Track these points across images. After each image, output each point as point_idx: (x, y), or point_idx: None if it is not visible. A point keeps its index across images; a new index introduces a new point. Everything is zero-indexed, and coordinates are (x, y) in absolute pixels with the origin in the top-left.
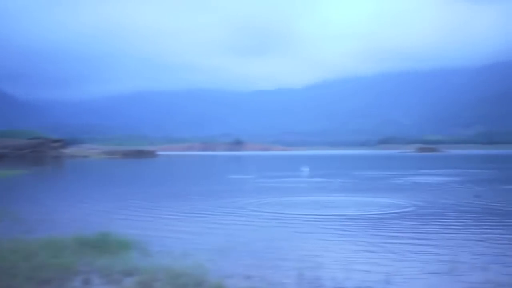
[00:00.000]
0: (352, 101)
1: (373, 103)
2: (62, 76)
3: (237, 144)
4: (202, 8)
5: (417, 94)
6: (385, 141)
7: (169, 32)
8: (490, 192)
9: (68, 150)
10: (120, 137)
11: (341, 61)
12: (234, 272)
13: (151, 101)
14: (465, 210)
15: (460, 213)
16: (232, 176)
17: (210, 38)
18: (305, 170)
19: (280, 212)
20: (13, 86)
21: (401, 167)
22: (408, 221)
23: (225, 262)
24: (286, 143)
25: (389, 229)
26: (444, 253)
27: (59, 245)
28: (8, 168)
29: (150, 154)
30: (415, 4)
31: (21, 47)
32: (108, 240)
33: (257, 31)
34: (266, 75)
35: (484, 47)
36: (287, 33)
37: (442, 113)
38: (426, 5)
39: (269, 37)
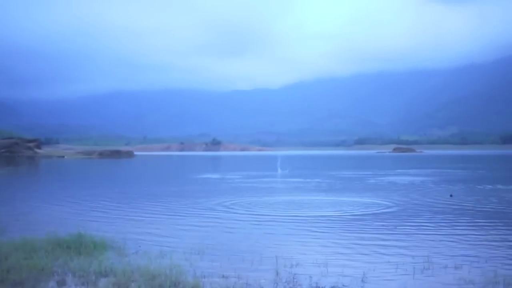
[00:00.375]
0: (328, 101)
1: (350, 104)
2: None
3: (215, 144)
4: (179, 8)
5: (393, 95)
6: (362, 142)
7: (146, 31)
8: (464, 192)
9: (43, 150)
10: (96, 137)
11: (318, 61)
12: (211, 272)
13: (128, 101)
14: (439, 210)
15: (433, 213)
16: (208, 176)
17: (187, 38)
18: (283, 170)
19: (256, 212)
20: None
21: (378, 167)
22: (382, 221)
23: (201, 263)
24: (263, 143)
25: (363, 229)
26: (417, 253)
27: (32, 246)
28: None
29: (127, 154)
30: (390, 6)
31: None
32: (83, 241)
33: (234, 31)
34: (243, 75)
35: (458, 49)
36: (265, 33)
37: (417, 114)
38: (401, 7)
39: (246, 37)
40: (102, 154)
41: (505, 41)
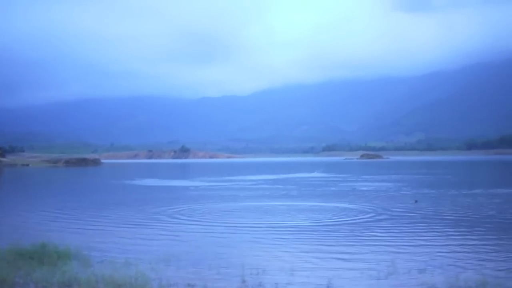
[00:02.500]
0: (297, 108)
1: (318, 111)
2: (1, 81)
3: (183, 151)
4: (147, 15)
5: (360, 102)
6: (330, 148)
7: (114, 38)
8: (428, 197)
9: (7, 159)
10: (62, 144)
11: (286, 69)
12: (177, 281)
13: (94, 108)
14: (404, 216)
15: (398, 219)
16: (174, 183)
17: (155, 45)
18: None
19: (223, 220)
20: None
21: (345, 174)
22: (347, 228)
23: (167, 271)
24: (232, 150)
25: (329, 236)
26: (382, 258)
27: None
28: None
29: (94, 162)
30: (358, 14)
31: None
32: (46, 251)
33: (203, 38)
34: (212, 82)
35: (424, 57)
36: (233, 40)
37: (384, 121)
38: (369, 16)
39: (215, 45)
40: (68, 162)
41: (469, 49)
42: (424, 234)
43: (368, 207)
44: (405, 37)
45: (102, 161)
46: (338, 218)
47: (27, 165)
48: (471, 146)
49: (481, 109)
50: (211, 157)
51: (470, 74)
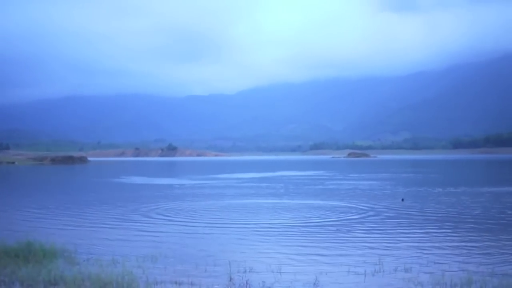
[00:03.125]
0: (284, 107)
1: (305, 109)
2: None
3: (171, 150)
4: (134, 12)
5: (347, 101)
6: (317, 147)
7: (101, 36)
8: (415, 196)
9: None
10: (48, 142)
11: (273, 67)
12: (164, 279)
13: (81, 106)
14: (390, 215)
15: (385, 217)
16: (160, 181)
17: (142, 43)
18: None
19: (208, 218)
20: None
21: (332, 172)
22: (335, 226)
23: (154, 269)
24: (219, 148)
25: (315, 234)
26: (369, 257)
27: None
28: None
29: (81, 160)
30: (345, 13)
31: None
32: (32, 249)
33: (190, 36)
34: (199, 81)
35: (410, 57)
36: (220, 38)
37: (371, 120)
38: (356, 15)
39: (202, 43)
40: (54, 160)
41: (455, 50)
42: (410, 232)
43: (355, 205)
44: (392, 37)
45: (89, 159)
46: (324, 216)
47: (13, 162)
48: (457, 145)
49: (466, 108)
50: (198, 155)
51: (456, 74)
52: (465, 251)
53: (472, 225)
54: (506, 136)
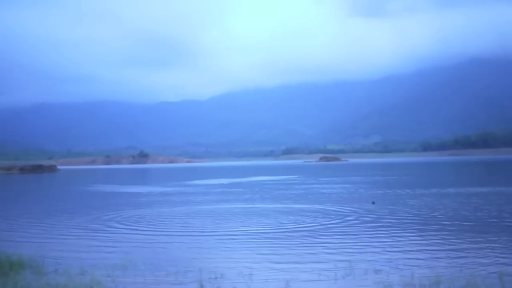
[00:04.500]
0: (256, 112)
1: (277, 115)
2: None
3: (142, 156)
4: (104, 19)
5: (319, 106)
6: (289, 152)
7: (69, 43)
8: (385, 198)
9: None
10: (16, 151)
11: (245, 73)
12: None
13: (50, 113)
14: (361, 218)
15: (355, 220)
16: (130, 189)
17: (112, 49)
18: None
19: (178, 225)
20: None
21: (304, 176)
22: (304, 230)
23: (124, 278)
24: (192, 155)
25: (285, 239)
26: (339, 260)
27: None
28: None
29: (50, 169)
30: (315, 19)
31: None
32: None
33: (161, 42)
34: (170, 87)
35: (379, 61)
36: (192, 44)
37: (342, 124)
38: (326, 21)
39: (173, 49)
40: (23, 169)
41: (422, 54)
42: (381, 235)
43: (326, 209)
44: (361, 42)
45: (59, 167)
46: (295, 220)
47: None
48: (426, 147)
49: (435, 111)
50: (170, 161)
51: (424, 77)
52: (434, 252)
53: (441, 227)
54: (473, 138)
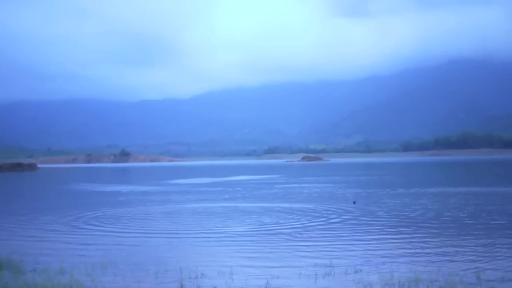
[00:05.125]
0: (238, 111)
1: (259, 114)
2: None
3: (124, 155)
4: (84, 15)
5: (300, 105)
6: (272, 151)
7: (49, 40)
8: (366, 198)
9: None
10: None
11: (227, 72)
12: (114, 287)
13: (30, 111)
14: (342, 218)
15: (336, 220)
16: (111, 188)
17: (93, 47)
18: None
19: (157, 224)
20: None
21: (285, 176)
22: (285, 230)
23: (104, 277)
24: (174, 153)
25: (267, 238)
26: (319, 259)
27: None
28: None
29: (30, 167)
30: (297, 18)
31: None
32: None
33: (143, 40)
34: (152, 85)
35: (361, 61)
36: (174, 42)
37: (324, 124)
38: (308, 20)
39: (155, 47)
40: (1, 168)
41: (404, 54)
42: (362, 234)
43: (306, 208)
44: (344, 41)
45: (39, 165)
46: (276, 220)
47: None
48: (407, 147)
49: (416, 112)
50: (152, 160)
51: (406, 78)
52: (413, 251)
53: (421, 227)
54: (454, 138)
